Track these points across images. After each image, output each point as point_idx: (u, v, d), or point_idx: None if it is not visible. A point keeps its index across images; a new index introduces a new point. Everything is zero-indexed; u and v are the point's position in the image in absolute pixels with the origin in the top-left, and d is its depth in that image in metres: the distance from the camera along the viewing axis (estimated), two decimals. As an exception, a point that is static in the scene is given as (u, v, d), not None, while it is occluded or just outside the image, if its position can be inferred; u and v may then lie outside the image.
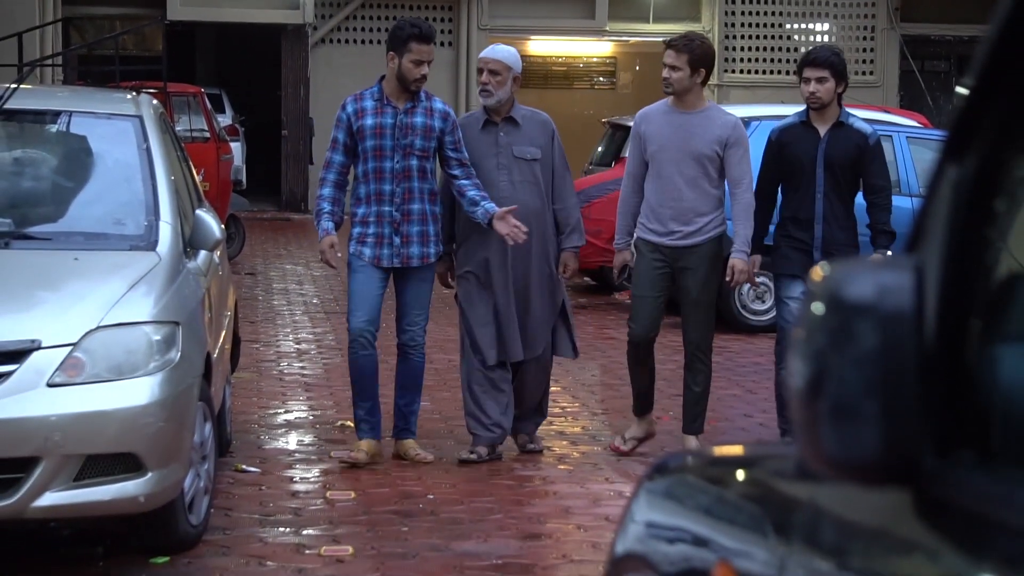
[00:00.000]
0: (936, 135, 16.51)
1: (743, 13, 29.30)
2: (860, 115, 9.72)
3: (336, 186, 8.82)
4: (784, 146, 9.02)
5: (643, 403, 9.33)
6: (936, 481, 1.98)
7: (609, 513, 8.01)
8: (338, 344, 13.22)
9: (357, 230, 8.85)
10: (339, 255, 8.76)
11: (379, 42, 28.10)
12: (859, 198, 9.12)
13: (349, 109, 8.87)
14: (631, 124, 9.91)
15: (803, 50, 30.60)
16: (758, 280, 15.15)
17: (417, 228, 8.80)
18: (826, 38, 29.19)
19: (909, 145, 15.01)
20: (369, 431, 8.90)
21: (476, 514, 7.97)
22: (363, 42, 28.53)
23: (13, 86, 8.10)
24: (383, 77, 8.92)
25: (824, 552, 2.23)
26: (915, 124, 16.87)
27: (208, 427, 7.42)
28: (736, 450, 3.40)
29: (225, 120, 26.51)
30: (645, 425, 9.36)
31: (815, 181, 8.91)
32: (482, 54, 9.19)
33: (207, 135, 20.97)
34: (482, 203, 8.75)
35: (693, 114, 9.06)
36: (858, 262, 1.94)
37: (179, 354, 6.86)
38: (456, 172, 8.89)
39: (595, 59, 31.62)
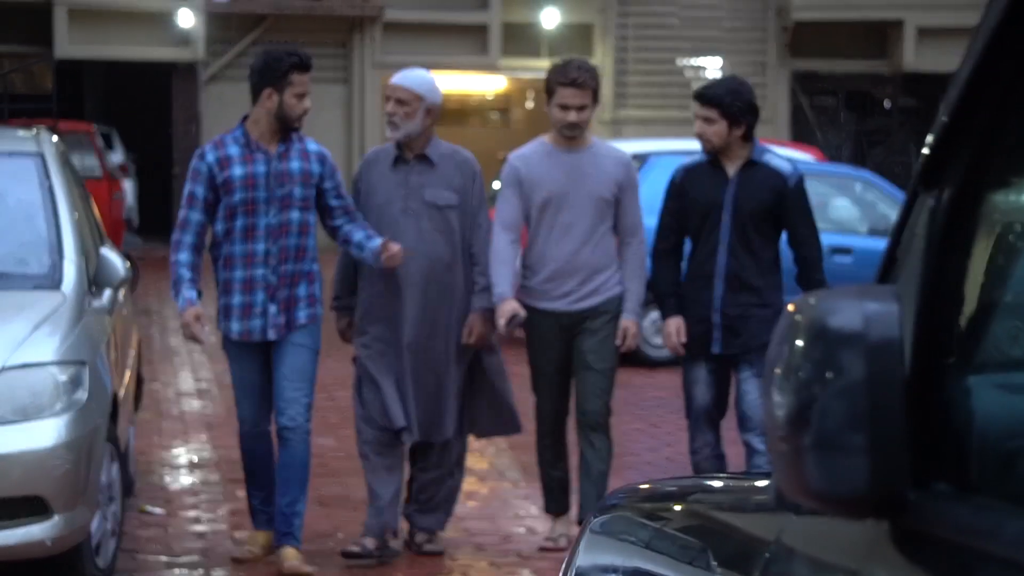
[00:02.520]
0: (831, 170, 16.68)
1: (635, 49, 29.51)
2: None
3: (195, 250, 7.56)
4: (687, 189, 7.68)
5: (560, 499, 8.03)
6: (914, 513, 1.97)
7: (520, 549, 7.98)
8: (238, 383, 13.10)
9: (222, 302, 7.61)
10: (206, 328, 7.61)
11: (271, 79, 27.99)
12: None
13: (210, 158, 7.57)
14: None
15: (694, 86, 31.05)
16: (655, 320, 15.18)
17: (294, 292, 7.57)
18: (718, 74, 29.45)
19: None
20: (266, 522, 7.70)
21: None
22: (255, 79, 28.39)
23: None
24: (245, 118, 7.69)
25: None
26: (810, 158, 17.04)
27: (115, 468, 7.31)
28: (678, 485, 3.38)
29: (116, 158, 26.29)
30: (568, 524, 8.02)
31: (719, 231, 7.56)
32: (392, 79, 7.86)
33: (99, 173, 20.80)
34: (368, 244, 7.58)
35: (582, 152, 7.84)
36: (841, 291, 1.93)
37: (86, 394, 6.75)
38: (340, 222, 7.68)
39: (488, 95, 31.73)
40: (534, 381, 7.97)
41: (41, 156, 7.93)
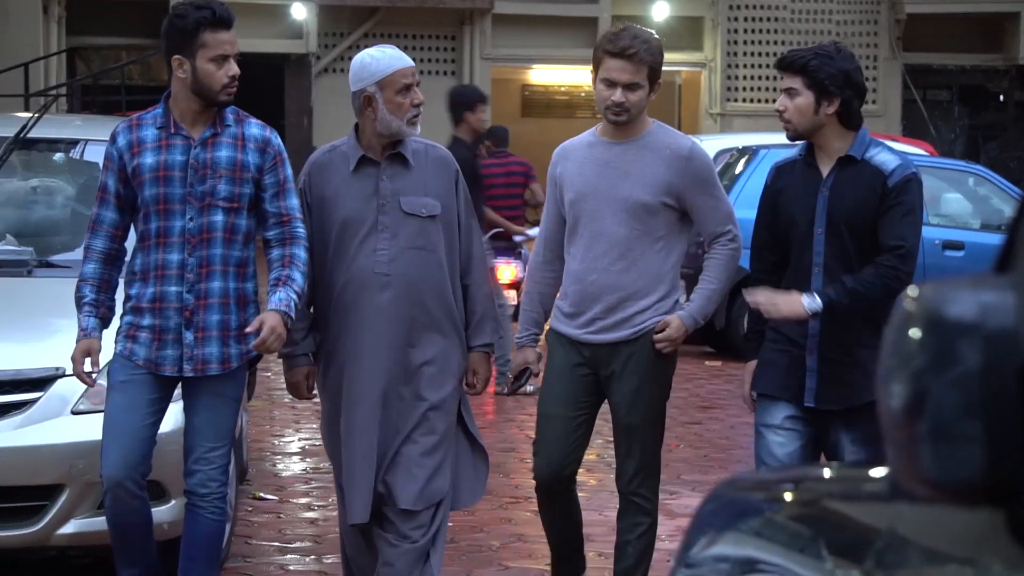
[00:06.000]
0: (943, 163, 16.54)
1: (745, 42, 29.39)
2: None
3: (105, 260, 6.01)
4: (779, 193, 5.95)
5: (565, 567, 6.53)
6: (1028, 501, 1.99)
7: (629, 541, 7.99)
8: (349, 372, 13.25)
9: (128, 319, 5.99)
10: (95, 373, 5.99)
11: (382, 71, 28.14)
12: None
13: (120, 142, 5.99)
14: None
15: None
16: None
17: (217, 317, 5.94)
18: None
19: (917, 174, 15.05)
20: None
21: (496, 541, 7.96)
22: (366, 71, 28.58)
23: (36, 115, 8.13)
24: (168, 95, 6.08)
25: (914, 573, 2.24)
26: (922, 152, 16.92)
27: (229, 455, 7.40)
28: (787, 474, 3.41)
29: (229, 149, 26.56)
30: None
31: (811, 246, 5.79)
32: (403, 64, 6.04)
33: (212, 164, 20.98)
34: (273, 292, 5.89)
35: (629, 144, 6.21)
36: (956, 281, 1.95)
37: (202, 382, 6.83)
38: (271, 234, 6.00)
39: (598, 88, 31.75)
40: (539, 427, 6.30)
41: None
